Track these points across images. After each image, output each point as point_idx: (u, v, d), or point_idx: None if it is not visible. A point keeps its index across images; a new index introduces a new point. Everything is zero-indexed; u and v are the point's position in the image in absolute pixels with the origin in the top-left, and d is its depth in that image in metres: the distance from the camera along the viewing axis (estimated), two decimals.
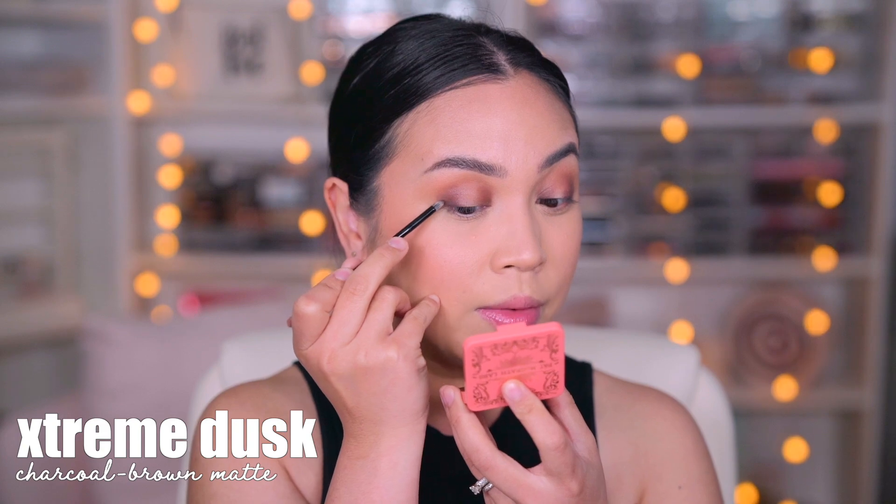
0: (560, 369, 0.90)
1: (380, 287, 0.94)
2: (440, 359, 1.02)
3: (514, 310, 0.96)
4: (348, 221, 1.04)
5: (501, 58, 1.00)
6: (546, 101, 0.99)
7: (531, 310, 0.97)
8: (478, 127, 0.96)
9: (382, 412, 0.93)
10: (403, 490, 0.94)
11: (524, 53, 1.02)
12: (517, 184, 0.96)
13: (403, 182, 0.98)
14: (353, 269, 0.96)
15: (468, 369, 0.89)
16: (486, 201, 0.96)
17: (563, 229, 0.99)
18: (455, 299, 0.96)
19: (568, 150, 0.99)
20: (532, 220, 0.96)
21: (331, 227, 1.08)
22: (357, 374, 0.92)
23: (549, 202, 0.99)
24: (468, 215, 0.96)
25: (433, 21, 1.03)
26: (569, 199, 1.00)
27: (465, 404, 0.91)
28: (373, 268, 0.93)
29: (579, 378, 1.12)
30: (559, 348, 0.90)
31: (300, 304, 0.93)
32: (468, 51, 0.99)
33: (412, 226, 0.96)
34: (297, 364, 1.13)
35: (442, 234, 0.96)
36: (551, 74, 1.03)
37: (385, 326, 0.92)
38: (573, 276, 1.01)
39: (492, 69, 0.98)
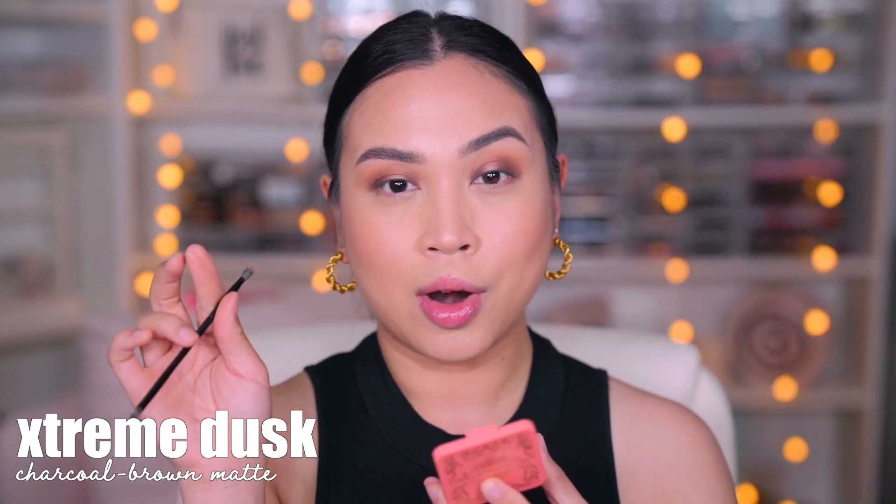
0: (538, 462, 0.88)
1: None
2: (405, 343, 1.01)
3: (449, 294, 0.95)
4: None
5: (437, 43, 0.99)
6: (478, 84, 0.98)
7: (472, 296, 0.96)
8: (397, 115, 0.96)
9: None
10: None
11: (472, 38, 1.00)
12: (439, 168, 0.95)
13: (347, 174, 1.00)
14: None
15: (442, 476, 0.87)
16: (414, 183, 0.97)
17: (504, 211, 0.96)
18: (394, 283, 0.96)
19: (500, 133, 0.96)
20: (457, 202, 0.95)
21: (331, 222, 1.10)
22: None
23: (486, 178, 0.97)
24: (399, 194, 0.96)
25: (406, 19, 1.03)
26: (509, 176, 0.97)
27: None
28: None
29: (595, 385, 1.11)
30: (533, 444, 0.87)
31: None
32: (405, 38, 0.99)
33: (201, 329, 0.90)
34: (307, 369, 1.12)
35: (373, 220, 0.97)
36: (500, 60, 1.00)
37: None
38: (530, 257, 0.98)
39: (419, 55, 0.98)
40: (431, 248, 0.95)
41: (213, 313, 0.88)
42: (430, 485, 0.89)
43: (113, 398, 2.22)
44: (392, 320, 0.99)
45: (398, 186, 0.96)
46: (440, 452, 0.86)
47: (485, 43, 1.00)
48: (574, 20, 2.94)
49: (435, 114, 0.96)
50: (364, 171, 0.97)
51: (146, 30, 2.90)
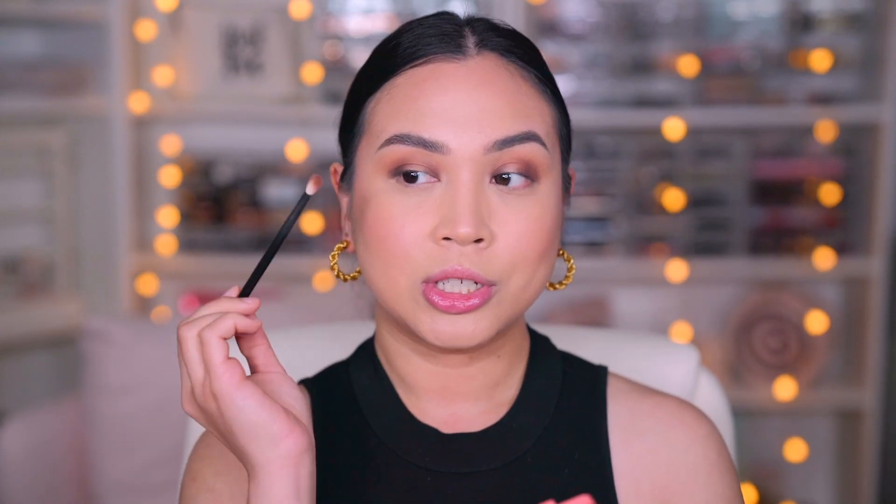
0: None
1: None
2: (405, 331, 1.02)
3: (456, 290, 0.96)
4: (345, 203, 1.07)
5: (470, 40, 1.00)
6: (508, 85, 0.99)
7: (482, 288, 0.97)
8: (428, 105, 0.97)
9: (246, 452, 0.92)
10: None
11: (503, 39, 1.02)
12: (462, 161, 0.96)
13: (366, 159, 1.00)
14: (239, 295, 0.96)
15: None
16: (434, 175, 0.98)
17: (521, 211, 0.98)
18: (400, 270, 0.97)
19: (525, 137, 0.98)
20: (476, 196, 0.96)
21: (336, 217, 1.10)
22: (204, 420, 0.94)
23: (503, 179, 0.98)
24: (414, 185, 0.97)
25: (438, 16, 1.05)
26: (529, 180, 0.98)
27: None
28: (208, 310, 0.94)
29: (593, 380, 1.10)
30: None
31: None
32: (437, 32, 1.00)
33: (287, 225, 0.96)
34: (303, 382, 1.12)
35: (390, 206, 0.97)
36: (530, 64, 1.02)
37: (198, 376, 0.92)
38: (541, 259, 0.99)
39: (452, 49, 0.99)
40: (446, 238, 0.96)
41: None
42: None
43: (113, 398, 2.22)
44: (393, 306, 0.99)
45: (412, 177, 0.97)
46: None
47: (516, 46, 1.02)
48: (574, 20, 2.94)
49: (465, 108, 0.97)
50: (386, 156, 0.98)
51: (146, 30, 2.90)
